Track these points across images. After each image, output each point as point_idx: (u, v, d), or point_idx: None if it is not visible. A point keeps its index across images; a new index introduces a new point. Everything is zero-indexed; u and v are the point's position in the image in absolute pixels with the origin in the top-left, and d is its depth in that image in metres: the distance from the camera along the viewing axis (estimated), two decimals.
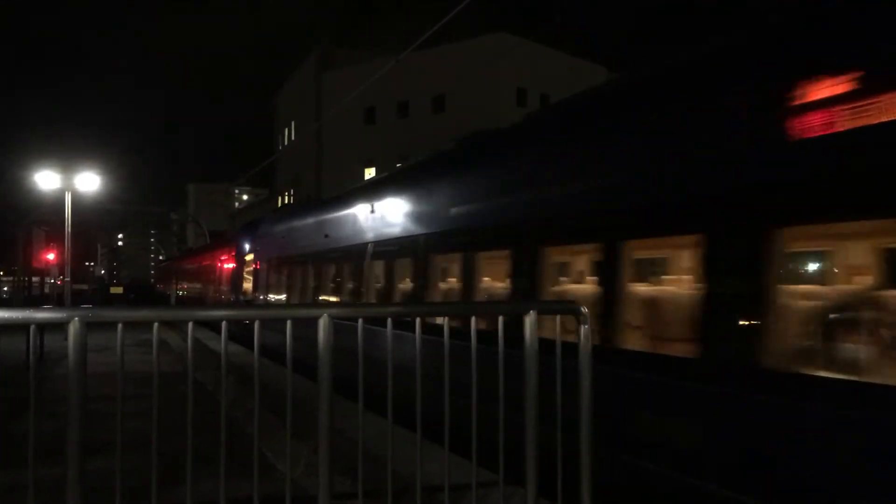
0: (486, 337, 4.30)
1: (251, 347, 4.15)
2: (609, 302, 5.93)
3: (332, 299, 13.50)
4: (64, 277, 26.87)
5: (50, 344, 16.09)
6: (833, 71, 4.22)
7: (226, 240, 29.40)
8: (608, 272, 6.01)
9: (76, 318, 3.46)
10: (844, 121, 4.10)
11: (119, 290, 63.19)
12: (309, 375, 4.43)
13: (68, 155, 25.54)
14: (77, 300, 42.00)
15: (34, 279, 41.17)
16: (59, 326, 3.50)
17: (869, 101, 3.98)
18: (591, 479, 4.05)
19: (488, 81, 46.33)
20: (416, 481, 4.03)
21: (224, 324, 3.82)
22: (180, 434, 3.66)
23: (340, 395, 5.45)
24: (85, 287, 64.41)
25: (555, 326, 4.19)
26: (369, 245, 11.48)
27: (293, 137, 64.09)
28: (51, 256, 31.21)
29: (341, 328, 3.90)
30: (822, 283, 5.72)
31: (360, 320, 3.99)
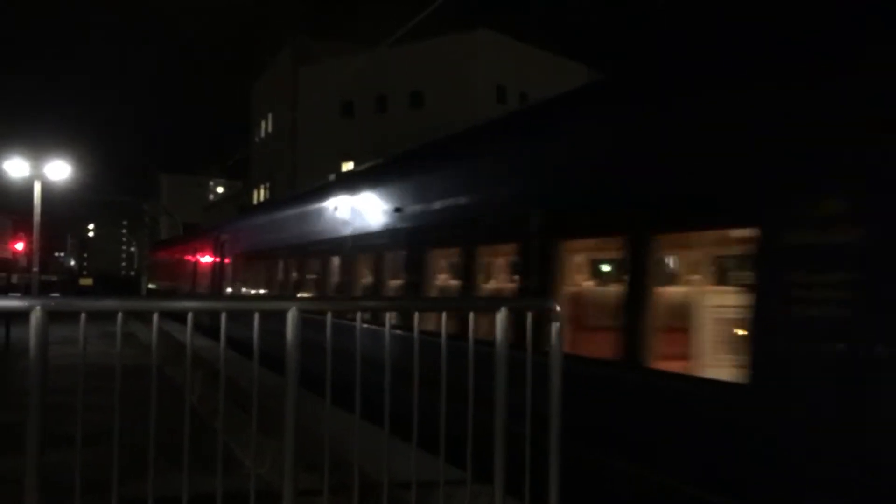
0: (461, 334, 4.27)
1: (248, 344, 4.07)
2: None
3: None
4: (31, 267, 26.48)
5: (17, 336, 15.83)
6: None
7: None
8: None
9: (38, 307, 3.38)
10: None
11: (89, 281, 62.35)
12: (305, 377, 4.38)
13: (38, 142, 25.19)
14: (46, 292, 41.15)
15: (1, 273, 40.38)
16: (27, 319, 3.41)
17: None
18: (559, 477, 4.03)
19: (467, 78, 46.29)
20: (384, 478, 3.99)
21: (190, 315, 3.75)
22: (145, 428, 3.59)
23: (309, 391, 5.40)
24: (54, 278, 63.57)
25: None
26: None
27: (269, 130, 63.63)
28: (19, 246, 30.74)
29: (313, 322, 3.84)
30: None
31: (329, 315, 3.94)
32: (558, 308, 4.14)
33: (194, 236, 29.60)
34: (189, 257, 28.16)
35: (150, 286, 41.11)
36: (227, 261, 20.80)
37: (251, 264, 18.13)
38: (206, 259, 23.99)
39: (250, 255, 18.27)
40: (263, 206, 22.07)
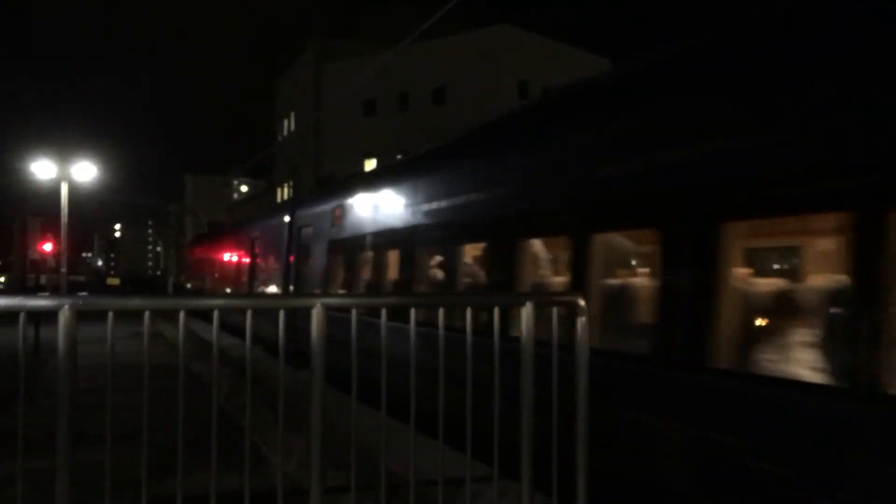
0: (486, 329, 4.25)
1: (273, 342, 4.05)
2: None
3: None
4: (60, 268, 26.81)
5: (46, 336, 16.04)
6: None
7: None
8: None
9: (66, 306, 3.40)
10: None
11: (116, 281, 63.03)
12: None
13: (65, 144, 25.50)
14: (74, 292, 41.22)
15: (30, 275, 40.73)
16: (55, 319, 3.44)
17: None
18: (587, 473, 4.00)
19: (490, 73, 46.21)
20: (410, 475, 3.98)
21: (216, 313, 3.76)
22: (172, 427, 3.61)
23: (335, 388, 5.41)
24: (82, 278, 64.36)
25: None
26: None
27: (292, 129, 63.95)
28: (47, 247, 31.13)
29: (337, 320, 3.84)
30: None
31: (354, 311, 3.94)
32: (583, 302, 4.10)
33: (249, 225, 23.32)
34: (240, 252, 22.43)
35: (187, 287, 36.65)
36: (308, 256, 14.76)
37: (360, 259, 11.91)
38: (270, 253, 18.49)
39: (357, 245, 11.92)
40: (386, 172, 13.27)
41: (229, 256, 24.60)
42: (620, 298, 6.27)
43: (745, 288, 5.23)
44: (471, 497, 4.11)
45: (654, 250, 5.39)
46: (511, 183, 7.56)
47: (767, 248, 6.73)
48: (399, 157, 38.22)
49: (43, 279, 41.36)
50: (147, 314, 3.62)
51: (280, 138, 67.22)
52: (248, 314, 3.81)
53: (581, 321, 4.05)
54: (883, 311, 3.67)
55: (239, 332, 3.89)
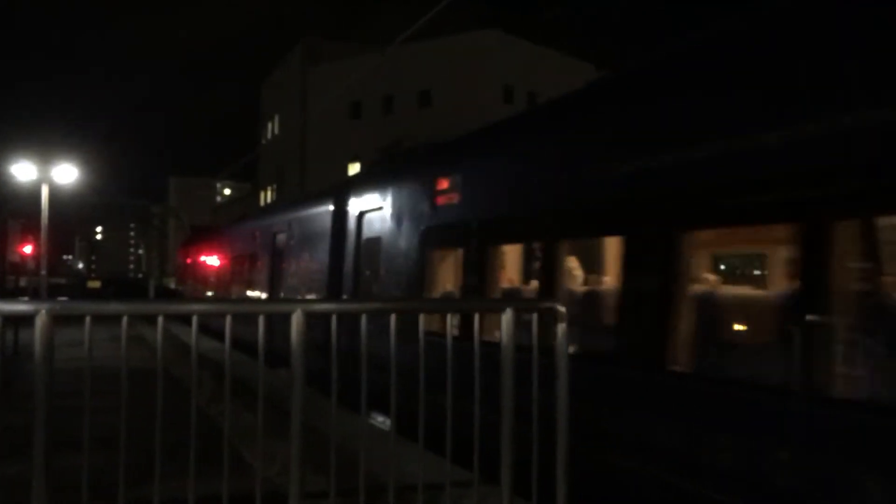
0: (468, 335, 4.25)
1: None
2: None
3: None
4: (40, 270, 26.55)
5: (27, 338, 15.88)
6: None
7: None
8: None
9: (43, 311, 3.38)
10: None
11: (97, 284, 62.50)
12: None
13: (46, 146, 25.25)
14: (54, 294, 40.92)
15: (10, 277, 40.33)
16: (34, 322, 3.41)
17: None
18: (567, 478, 4.01)
19: (475, 78, 46.27)
20: (390, 480, 3.98)
21: (195, 318, 3.75)
22: (152, 431, 3.59)
23: (317, 392, 5.39)
24: (63, 281, 63.78)
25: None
26: None
27: (277, 131, 63.72)
28: (27, 249, 30.83)
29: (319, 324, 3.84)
30: None
31: (334, 316, 3.94)
32: (563, 309, 4.11)
33: (266, 218, 18.90)
34: (256, 252, 17.64)
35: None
36: (378, 254, 10.47)
37: (494, 254, 8.04)
38: (305, 251, 14.02)
39: (493, 232, 7.91)
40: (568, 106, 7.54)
41: (240, 257, 19.64)
42: None
43: None
44: (451, 502, 4.11)
45: None
46: None
47: None
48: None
49: (23, 281, 40.93)
50: (125, 319, 3.61)
51: (264, 141, 66.97)
52: (227, 319, 3.81)
53: (561, 327, 4.06)
54: None
55: (239, 340, 3.85)
